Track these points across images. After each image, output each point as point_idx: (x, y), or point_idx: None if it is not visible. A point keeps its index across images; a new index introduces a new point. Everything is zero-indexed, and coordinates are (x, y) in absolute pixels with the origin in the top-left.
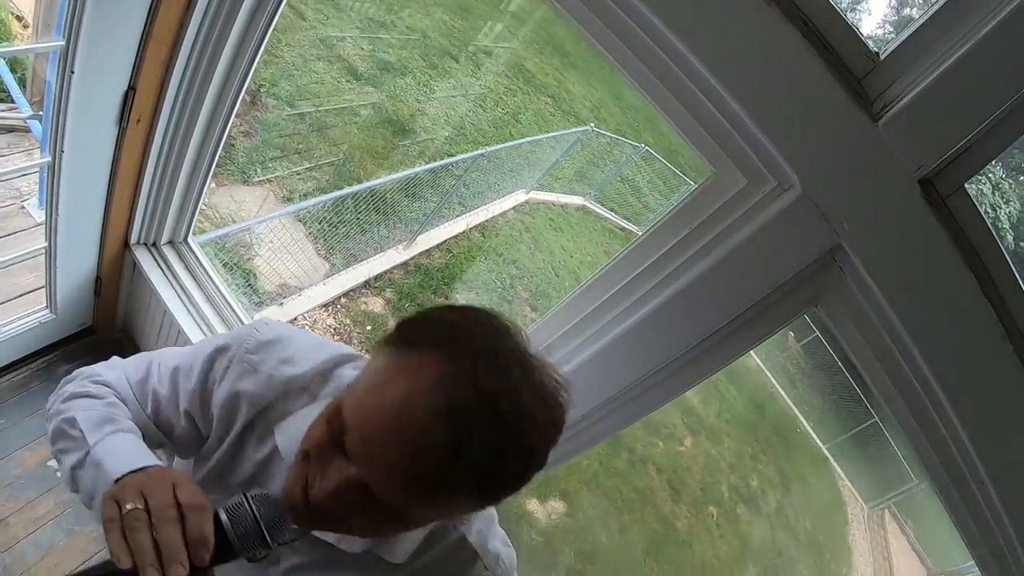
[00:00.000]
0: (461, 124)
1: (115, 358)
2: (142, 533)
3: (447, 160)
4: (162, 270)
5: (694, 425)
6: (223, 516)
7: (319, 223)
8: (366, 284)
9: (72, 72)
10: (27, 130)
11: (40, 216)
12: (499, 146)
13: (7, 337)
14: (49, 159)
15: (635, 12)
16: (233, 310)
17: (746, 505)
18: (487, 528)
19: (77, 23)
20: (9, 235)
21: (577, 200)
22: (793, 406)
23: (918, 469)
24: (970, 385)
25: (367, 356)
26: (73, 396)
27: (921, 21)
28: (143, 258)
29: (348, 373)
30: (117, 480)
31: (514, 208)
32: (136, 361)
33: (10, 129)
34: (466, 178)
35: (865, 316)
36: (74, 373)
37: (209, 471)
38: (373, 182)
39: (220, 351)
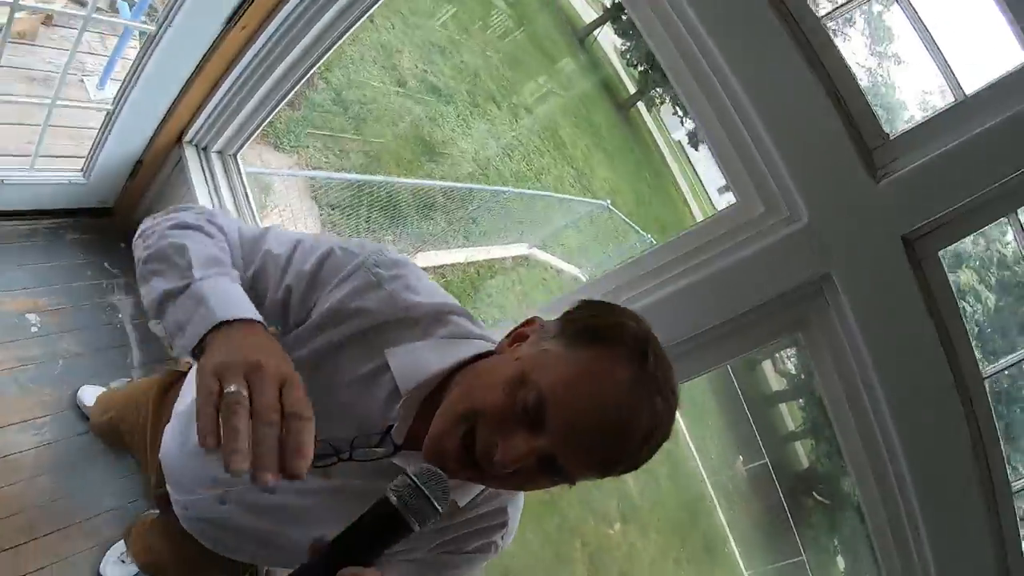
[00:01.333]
0: (486, 166)
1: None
2: (240, 419)
3: (467, 186)
4: (204, 175)
5: (627, 512)
6: (393, 499)
7: (331, 208)
8: None
9: None
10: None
11: (95, 95)
12: (517, 191)
13: (34, 183)
14: (153, 29)
15: (709, 54)
16: None
17: None
18: (518, 503)
19: None
20: (60, 102)
21: (574, 271)
22: (726, 525)
23: None
24: (919, 425)
25: (480, 323)
26: (186, 226)
27: (925, 119)
28: (190, 157)
29: (463, 323)
30: (220, 325)
31: (513, 258)
32: (250, 224)
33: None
34: (478, 213)
35: (841, 347)
36: (186, 205)
37: (299, 362)
38: (396, 179)
39: (346, 252)
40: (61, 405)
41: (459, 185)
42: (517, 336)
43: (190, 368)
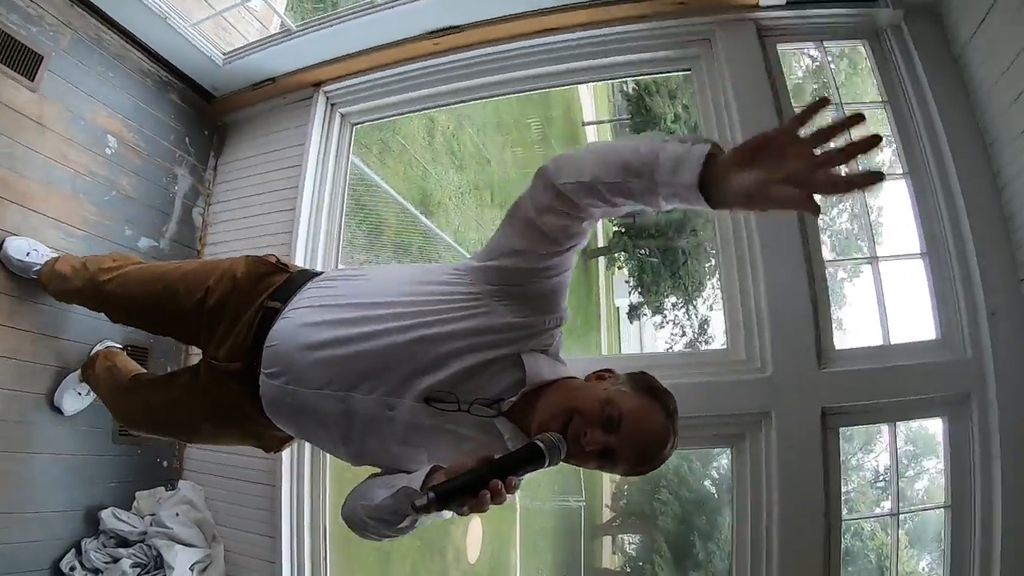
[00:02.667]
0: (462, 242)
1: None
2: None
3: (458, 248)
4: (323, 125)
5: None
6: (540, 444)
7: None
8: None
9: None
10: None
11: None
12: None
13: (184, 36)
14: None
15: (751, 232)
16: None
17: None
18: None
19: None
20: None
21: None
22: None
23: None
24: (792, 538)
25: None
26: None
27: (858, 346)
28: (318, 103)
29: (559, 353)
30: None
31: None
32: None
33: None
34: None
35: (759, 464)
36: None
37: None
38: (420, 216)
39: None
40: (92, 227)
41: (454, 244)
42: (599, 376)
43: (276, 261)
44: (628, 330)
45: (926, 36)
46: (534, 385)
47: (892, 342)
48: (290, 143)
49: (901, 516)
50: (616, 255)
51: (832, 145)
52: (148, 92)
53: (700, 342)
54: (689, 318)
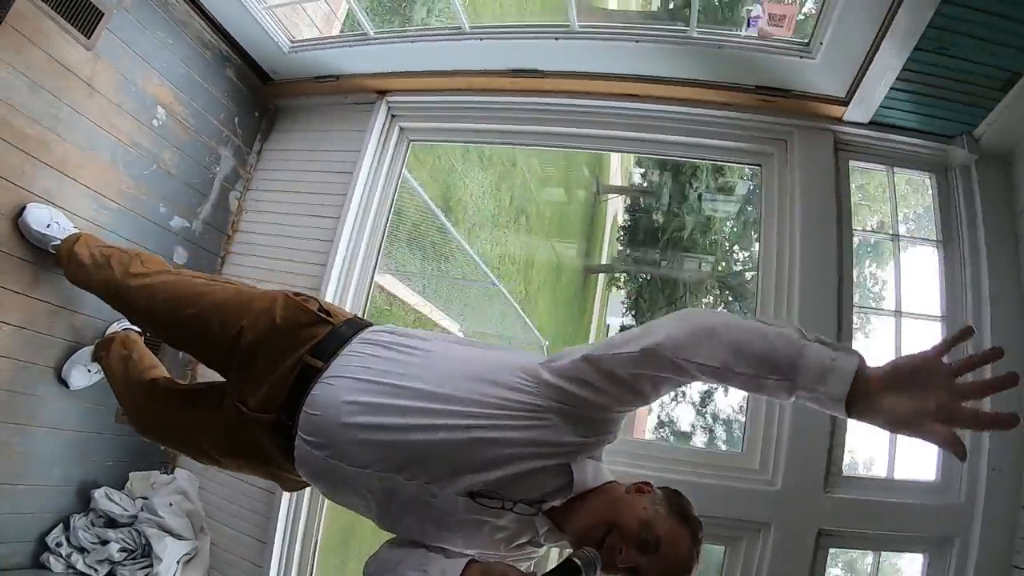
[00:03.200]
0: (473, 242)
1: None
2: None
3: (474, 255)
4: (382, 132)
5: None
6: (577, 561)
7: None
8: None
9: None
10: None
11: None
12: (497, 286)
13: (255, 16)
14: (464, 27)
15: None
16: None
17: None
18: None
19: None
20: None
21: None
22: None
23: None
24: None
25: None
26: None
27: (865, 476)
28: (379, 111)
29: (602, 457)
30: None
31: (441, 327)
32: None
33: None
34: (445, 279)
35: (750, 569)
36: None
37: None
38: (429, 200)
39: None
40: (127, 201)
41: (468, 249)
42: (639, 489)
43: (318, 308)
44: None
45: (993, 182)
46: (579, 492)
47: (895, 476)
48: (344, 146)
49: None
50: (616, 274)
51: (970, 377)
52: (205, 65)
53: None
54: None
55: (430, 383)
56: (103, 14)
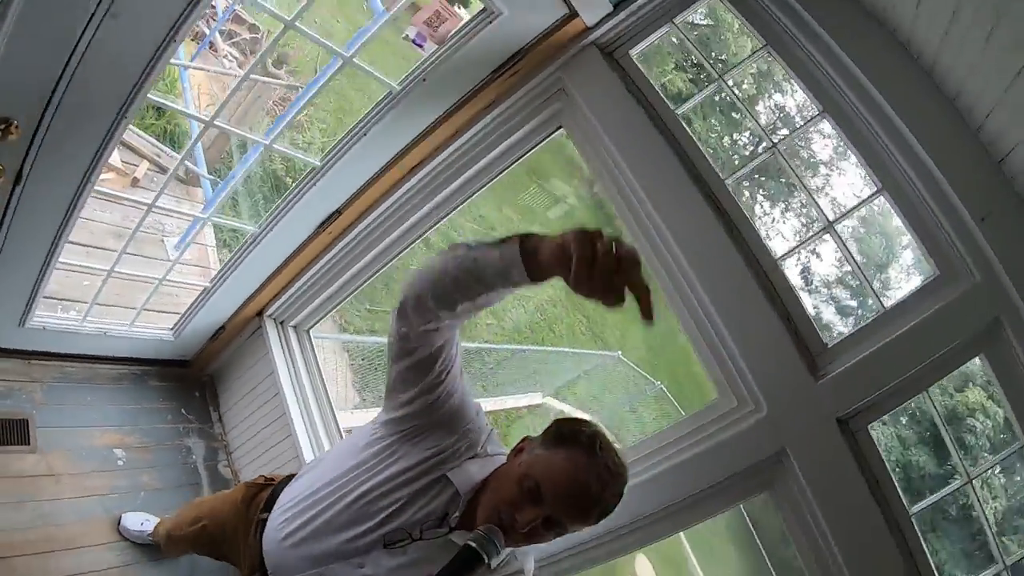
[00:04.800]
0: (502, 316)
1: None
2: None
3: (489, 345)
4: (281, 345)
5: None
6: (472, 543)
7: (363, 359)
8: None
9: (312, 186)
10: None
11: (171, 255)
12: (532, 348)
13: (131, 336)
14: (256, 231)
15: (687, 275)
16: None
17: None
18: (530, 565)
19: (337, 156)
20: (141, 256)
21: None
22: None
23: None
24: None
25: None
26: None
27: (854, 330)
28: (270, 328)
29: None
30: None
31: (528, 407)
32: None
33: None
34: (495, 367)
35: (797, 502)
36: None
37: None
38: None
39: (480, 415)
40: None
41: (483, 345)
42: (517, 451)
43: (264, 479)
44: None
45: None
46: (469, 493)
47: (887, 304)
48: (264, 373)
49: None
50: None
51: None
52: (129, 392)
53: None
54: None
55: (322, 480)
56: (27, 420)
